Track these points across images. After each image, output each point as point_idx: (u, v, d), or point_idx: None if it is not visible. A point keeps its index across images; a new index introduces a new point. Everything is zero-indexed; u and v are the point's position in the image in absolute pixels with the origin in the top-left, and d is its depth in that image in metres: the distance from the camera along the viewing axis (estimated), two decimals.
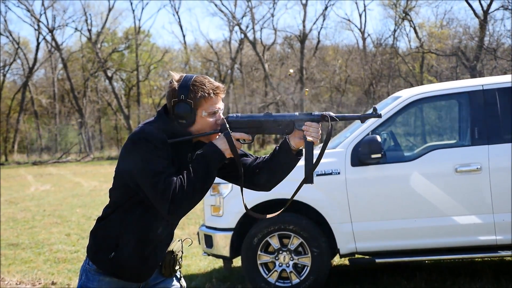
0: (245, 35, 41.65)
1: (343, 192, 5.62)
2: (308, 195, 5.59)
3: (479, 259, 6.60)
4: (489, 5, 28.63)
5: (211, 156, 2.56)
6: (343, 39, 66.19)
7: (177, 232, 9.57)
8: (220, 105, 2.66)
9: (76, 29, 46.42)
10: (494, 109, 5.63)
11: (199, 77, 2.63)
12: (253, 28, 42.20)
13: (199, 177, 2.51)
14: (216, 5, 43.77)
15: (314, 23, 46.99)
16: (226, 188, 5.89)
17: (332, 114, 2.61)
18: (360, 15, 62.25)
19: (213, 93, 2.61)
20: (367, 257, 5.74)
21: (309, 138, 2.61)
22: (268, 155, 2.77)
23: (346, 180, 5.62)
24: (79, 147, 45.93)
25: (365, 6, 51.21)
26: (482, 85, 5.73)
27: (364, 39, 42.47)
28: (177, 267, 2.86)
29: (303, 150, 2.67)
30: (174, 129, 2.61)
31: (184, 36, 58.46)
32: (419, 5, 43.44)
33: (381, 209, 5.63)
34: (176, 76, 2.64)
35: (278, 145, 2.71)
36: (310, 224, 5.71)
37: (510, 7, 25.77)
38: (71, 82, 44.34)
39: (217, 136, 2.65)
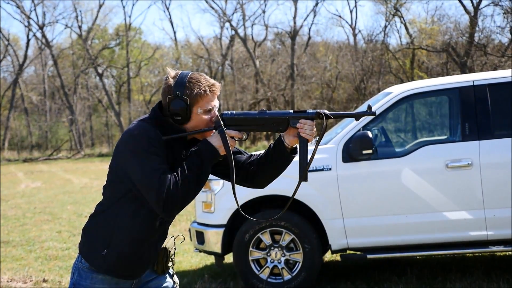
0: (236, 32, 41.58)
1: (334, 188, 5.63)
2: (300, 191, 5.55)
3: (470, 255, 6.63)
4: (480, 1, 28.70)
5: (205, 153, 2.56)
6: (333, 35, 66.31)
7: (169, 228, 9.54)
8: (216, 103, 2.65)
9: (66, 25, 46.13)
10: (484, 104, 5.64)
11: (195, 74, 2.61)
12: (243, 24, 42.16)
13: (193, 174, 2.51)
14: (207, 2, 43.61)
15: (305, 20, 47.17)
16: (218, 184, 5.88)
17: (326, 111, 2.60)
18: (351, 11, 62.30)
19: (209, 90, 2.60)
20: (358, 253, 5.75)
21: (303, 136, 2.60)
22: (262, 152, 2.76)
23: (337, 176, 5.62)
24: (70, 144, 45.82)
25: (356, 2, 51.18)
26: (473, 81, 5.74)
27: (355, 35, 42.48)
28: (170, 264, 2.86)
29: (298, 147, 2.66)
30: (169, 126, 2.61)
31: (175, 33, 58.61)
32: (410, 1, 43.57)
33: (372, 205, 5.64)
34: (172, 72, 2.63)
35: (273, 142, 2.71)
36: (302, 220, 5.71)
37: (500, 3, 25.83)
38: (61, 79, 44.14)
39: (212, 133, 2.65)
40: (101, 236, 2.65)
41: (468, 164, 5.50)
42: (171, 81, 2.59)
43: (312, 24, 49.82)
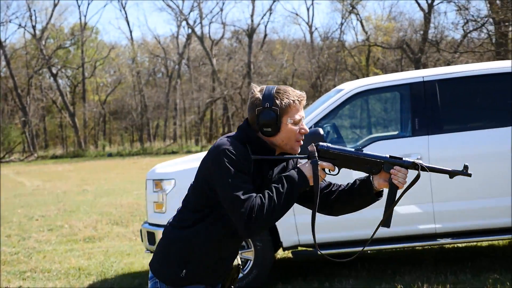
0: (193, 30, 41.43)
1: None
2: None
3: (420, 248, 6.68)
4: None
5: (297, 181, 2.54)
6: (290, 33, 66.56)
7: (120, 230, 9.41)
8: (303, 114, 2.65)
9: (20, 25, 45.33)
10: (434, 100, 5.69)
11: (281, 86, 2.64)
12: (200, 22, 42.04)
13: (280, 199, 2.49)
14: (163, 0, 43.36)
15: (262, 18, 47.26)
16: (169, 184, 5.80)
17: (423, 163, 2.63)
18: (308, 9, 62.70)
19: (297, 100, 2.60)
20: (310, 249, 5.74)
21: (395, 183, 2.61)
22: (344, 184, 2.76)
23: None
24: (23, 146, 44.95)
25: (312, 0, 51.41)
26: (423, 77, 5.79)
27: (311, 33, 42.75)
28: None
29: (383, 191, 2.69)
30: (259, 143, 2.59)
31: (131, 32, 57.96)
32: None
33: None
34: (258, 87, 2.64)
35: (359, 179, 2.71)
36: None
37: (453, 0, 26.24)
38: (14, 80, 43.28)
39: (303, 161, 2.66)
40: (178, 255, 2.62)
41: (417, 158, 5.51)
42: (258, 94, 2.60)
43: (268, 21, 49.74)
